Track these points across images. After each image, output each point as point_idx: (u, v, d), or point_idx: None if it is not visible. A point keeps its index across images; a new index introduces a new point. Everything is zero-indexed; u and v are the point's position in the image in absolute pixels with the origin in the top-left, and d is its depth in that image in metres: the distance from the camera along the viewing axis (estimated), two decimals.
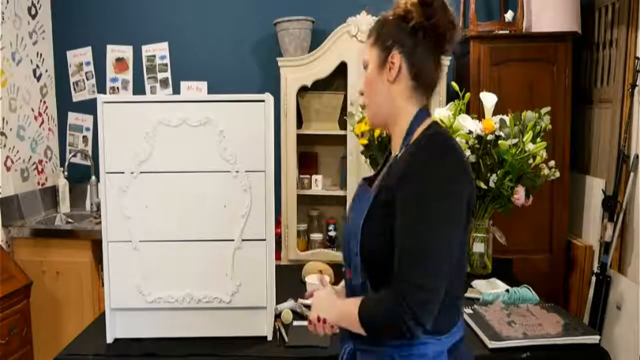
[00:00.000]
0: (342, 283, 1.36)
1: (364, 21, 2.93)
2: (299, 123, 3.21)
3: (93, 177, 3.40)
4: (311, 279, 1.97)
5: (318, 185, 3.22)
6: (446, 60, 2.95)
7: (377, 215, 1.11)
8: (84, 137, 3.53)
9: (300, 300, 1.89)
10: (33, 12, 3.25)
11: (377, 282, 1.12)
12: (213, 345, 1.60)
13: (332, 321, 1.19)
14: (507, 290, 1.88)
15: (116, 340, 1.65)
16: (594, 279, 2.72)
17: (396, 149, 1.20)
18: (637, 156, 2.52)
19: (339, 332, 1.24)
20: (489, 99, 2.05)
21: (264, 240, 1.63)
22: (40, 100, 3.33)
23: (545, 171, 2.02)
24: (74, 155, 3.47)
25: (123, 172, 1.59)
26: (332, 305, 1.19)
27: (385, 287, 1.07)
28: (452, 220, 1.06)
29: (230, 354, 1.56)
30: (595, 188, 2.86)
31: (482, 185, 1.95)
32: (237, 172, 1.59)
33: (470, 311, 1.75)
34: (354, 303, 1.10)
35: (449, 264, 1.05)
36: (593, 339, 1.56)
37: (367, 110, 1.24)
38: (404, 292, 1.01)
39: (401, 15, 1.15)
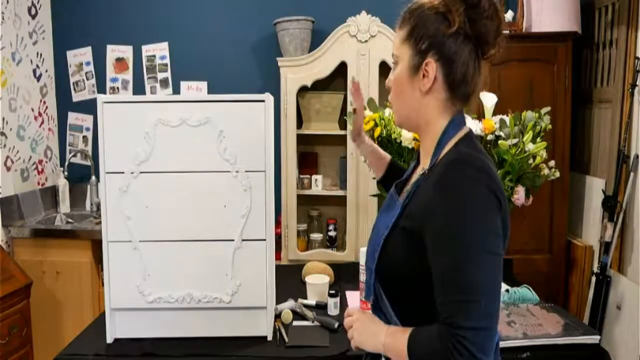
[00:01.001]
0: None
1: (364, 21, 2.93)
2: (299, 123, 3.21)
3: (93, 177, 3.40)
4: (311, 279, 1.97)
5: (318, 185, 3.22)
6: None
7: (397, 238, 1.04)
8: (84, 137, 3.53)
9: (300, 300, 1.89)
10: (33, 12, 3.25)
11: (396, 301, 1.08)
12: (213, 345, 1.60)
13: (374, 351, 1.08)
14: (507, 290, 1.88)
15: (116, 340, 1.65)
16: (594, 279, 2.72)
17: (425, 161, 1.10)
18: (637, 156, 2.52)
19: None
20: (489, 99, 2.04)
21: (264, 240, 1.63)
22: (40, 100, 3.33)
23: (545, 171, 2.02)
24: (74, 155, 3.47)
25: (123, 172, 1.59)
26: (376, 336, 1.06)
27: (422, 316, 1.00)
28: (493, 252, 0.94)
29: (230, 354, 1.56)
30: (595, 188, 2.86)
31: None
32: (237, 172, 1.59)
33: None
34: (401, 337, 0.99)
35: (498, 296, 0.95)
36: (593, 339, 1.56)
37: (394, 112, 1.12)
38: (460, 336, 0.89)
39: (441, 12, 1.01)
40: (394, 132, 1.97)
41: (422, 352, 0.96)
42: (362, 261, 1.83)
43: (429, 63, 1.03)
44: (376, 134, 2.11)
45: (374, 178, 2.08)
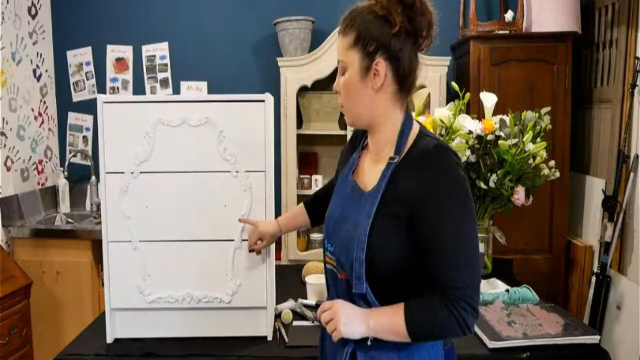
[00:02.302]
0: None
1: None
2: (299, 123, 3.21)
3: (93, 177, 3.40)
4: (311, 279, 1.97)
5: (318, 185, 3.22)
6: (445, 60, 2.95)
7: (384, 224, 1.09)
8: (84, 137, 3.53)
9: (300, 300, 1.89)
10: (33, 12, 3.25)
11: (380, 290, 1.11)
12: (213, 345, 1.60)
13: (361, 336, 1.11)
14: (507, 290, 1.88)
15: (116, 340, 1.65)
16: (594, 279, 2.72)
17: (383, 149, 1.18)
18: (637, 156, 2.52)
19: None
20: (489, 99, 2.04)
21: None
22: (40, 100, 3.33)
23: (545, 171, 2.02)
24: (74, 155, 3.47)
25: (123, 172, 1.59)
26: (362, 321, 1.10)
27: (405, 295, 1.09)
28: (476, 230, 1.11)
29: (230, 354, 1.56)
30: (595, 188, 2.86)
31: (482, 185, 1.95)
32: (237, 172, 1.59)
33: None
34: (392, 314, 1.08)
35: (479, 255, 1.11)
36: (593, 339, 1.56)
37: (346, 112, 1.20)
38: (460, 299, 1.05)
39: (381, 16, 1.10)
40: None
41: (425, 321, 1.07)
42: None
43: (379, 62, 1.11)
44: None
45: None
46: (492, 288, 1.93)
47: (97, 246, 2.80)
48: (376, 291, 1.12)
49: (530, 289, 1.89)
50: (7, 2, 2.99)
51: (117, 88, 3.49)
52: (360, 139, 1.32)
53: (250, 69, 3.42)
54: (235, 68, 3.41)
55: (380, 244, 1.09)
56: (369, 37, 1.11)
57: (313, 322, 1.75)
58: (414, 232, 1.08)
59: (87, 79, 3.49)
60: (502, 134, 1.96)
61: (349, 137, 3.18)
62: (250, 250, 1.61)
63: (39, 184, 3.29)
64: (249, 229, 1.60)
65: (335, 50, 3.01)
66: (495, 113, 2.05)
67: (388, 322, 1.08)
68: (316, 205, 1.60)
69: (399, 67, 1.11)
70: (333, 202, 1.27)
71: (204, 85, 3.45)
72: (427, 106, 2.96)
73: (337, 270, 1.19)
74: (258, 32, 3.38)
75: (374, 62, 1.11)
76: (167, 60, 3.44)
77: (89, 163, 3.48)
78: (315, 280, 1.96)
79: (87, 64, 3.48)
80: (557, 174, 2.06)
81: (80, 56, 3.48)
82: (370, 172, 1.20)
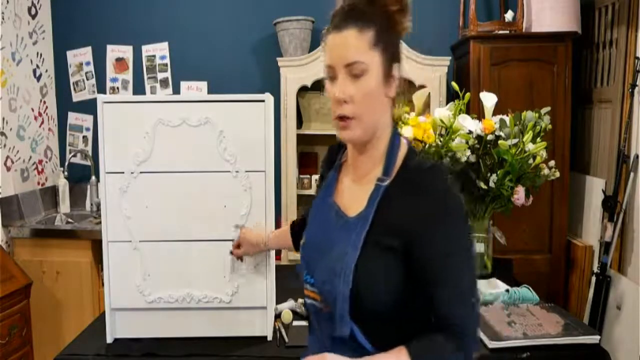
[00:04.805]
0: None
1: None
2: (299, 123, 3.21)
3: (93, 177, 3.40)
4: None
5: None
6: (445, 60, 2.95)
7: (373, 256, 0.97)
8: (84, 137, 3.53)
9: (300, 300, 1.89)
10: (33, 12, 3.25)
11: (370, 329, 0.99)
12: (213, 345, 1.60)
13: None
14: (507, 290, 1.88)
15: (116, 340, 1.65)
16: (594, 279, 2.72)
17: (373, 171, 1.04)
18: (637, 156, 2.52)
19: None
20: (489, 99, 2.04)
21: None
22: (40, 100, 3.33)
23: (545, 171, 2.02)
24: (74, 155, 3.47)
25: (123, 172, 1.59)
26: None
27: (402, 336, 0.96)
28: (475, 259, 1.05)
29: (230, 354, 1.56)
30: (595, 188, 2.86)
31: (482, 185, 1.95)
32: (237, 172, 1.59)
33: None
34: None
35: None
36: (593, 339, 1.56)
37: (357, 125, 1.00)
38: (463, 333, 0.97)
39: (393, 18, 0.98)
40: None
41: None
42: None
43: (395, 67, 1.00)
44: None
45: None
46: (492, 288, 1.93)
47: (97, 246, 2.80)
48: (366, 330, 0.99)
49: (530, 289, 1.89)
50: (7, 2, 2.99)
51: (117, 88, 3.49)
52: (336, 154, 1.18)
53: (250, 69, 3.42)
54: (235, 68, 3.41)
55: (368, 278, 0.96)
56: (387, 39, 0.98)
57: None
58: (408, 265, 0.96)
59: (87, 79, 3.49)
60: (502, 134, 1.96)
61: None
62: (230, 253, 1.60)
63: (39, 184, 3.29)
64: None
65: None
66: (495, 113, 2.05)
67: None
68: (301, 230, 1.36)
69: (401, 72, 1.01)
70: (310, 227, 1.12)
71: (204, 85, 3.45)
72: (427, 106, 2.96)
73: (321, 305, 1.04)
74: (258, 32, 3.38)
75: (392, 67, 0.99)
76: (167, 60, 3.44)
77: (89, 163, 3.48)
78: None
79: (87, 64, 3.48)
80: (557, 174, 2.06)
81: (80, 56, 3.48)
82: (354, 194, 1.06)
